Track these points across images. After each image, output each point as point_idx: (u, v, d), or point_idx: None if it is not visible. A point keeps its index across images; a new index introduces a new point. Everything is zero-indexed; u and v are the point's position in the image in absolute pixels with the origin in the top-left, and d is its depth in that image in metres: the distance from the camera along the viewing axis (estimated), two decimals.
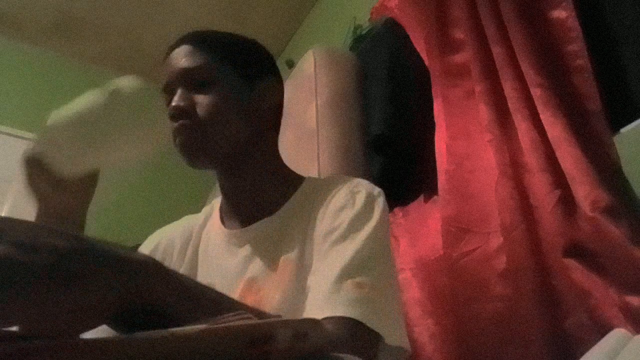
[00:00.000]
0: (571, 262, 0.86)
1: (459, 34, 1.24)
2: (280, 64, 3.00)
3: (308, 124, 1.48)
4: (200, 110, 0.74)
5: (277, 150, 0.85)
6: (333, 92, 1.48)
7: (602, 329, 0.79)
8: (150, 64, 3.05)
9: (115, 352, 0.35)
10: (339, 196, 0.74)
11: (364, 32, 1.72)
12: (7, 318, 0.33)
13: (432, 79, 1.26)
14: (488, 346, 0.93)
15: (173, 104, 0.74)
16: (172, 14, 2.65)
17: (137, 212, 2.58)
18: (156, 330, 0.36)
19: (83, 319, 0.35)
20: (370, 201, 0.73)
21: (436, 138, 1.18)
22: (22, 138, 2.52)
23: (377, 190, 0.76)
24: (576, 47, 0.99)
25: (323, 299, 0.60)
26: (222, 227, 0.82)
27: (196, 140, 0.74)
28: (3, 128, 2.47)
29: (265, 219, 0.78)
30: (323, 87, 1.49)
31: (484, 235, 1.00)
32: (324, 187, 0.78)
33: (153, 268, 0.42)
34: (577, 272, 0.85)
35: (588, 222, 0.85)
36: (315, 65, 1.54)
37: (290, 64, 2.31)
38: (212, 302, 0.48)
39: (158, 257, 0.82)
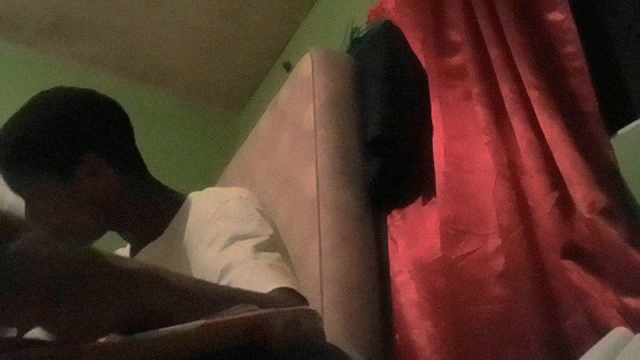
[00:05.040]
0: (569, 264, 0.86)
1: (456, 36, 1.25)
2: (278, 67, 3.00)
3: (305, 126, 1.48)
4: (49, 221, 0.75)
5: (147, 183, 0.85)
6: (331, 94, 1.48)
7: (601, 330, 0.79)
8: (149, 65, 3.06)
9: (116, 354, 0.35)
10: (209, 208, 0.79)
11: (361, 34, 1.72)
12: (12, 326, 0.33)
13: (429, 81, 1.26)
14: (487, 348, 0.93)
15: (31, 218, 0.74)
16: (171, 15, 2.65)
17: None
18: (156, 330, 0.36)
19: (85, 331, 0.35)
20: (241, 202, 0.79)
21: (434, 139, 1.18)
22: None
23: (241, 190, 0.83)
24: (573, 49, 1.00)
25: (261, 278, 0.66)
26: (129, 254, 0.87)
27: (69, 237, 0.76)
28: None
29: (150, 243, 0.81)
30: (321, 89, 1.49)
31: (482, 236, 1.00)
32: (197, 203, 0.83)
33: (155, 278, 0.42)
34: (575, 273, 0.85)
35: (586, 224, 0.85)
36: (312, 68, 1.53)
37: (288, 67, 2.31)
38: (211, 303, 0.49)
39: None
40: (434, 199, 1.18)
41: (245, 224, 0.75)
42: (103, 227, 0.80)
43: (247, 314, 0.40)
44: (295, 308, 0.41)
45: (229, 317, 0.39)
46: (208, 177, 2.05)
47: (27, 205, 0.75)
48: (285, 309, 0.40)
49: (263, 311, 0.40)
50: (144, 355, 0.36)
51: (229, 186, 1.50)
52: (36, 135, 0.76)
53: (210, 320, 0.38)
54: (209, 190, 0.88)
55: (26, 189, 0.75)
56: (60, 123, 0.77)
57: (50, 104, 0.80)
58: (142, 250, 0.82)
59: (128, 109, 0.88)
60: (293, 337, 0.40)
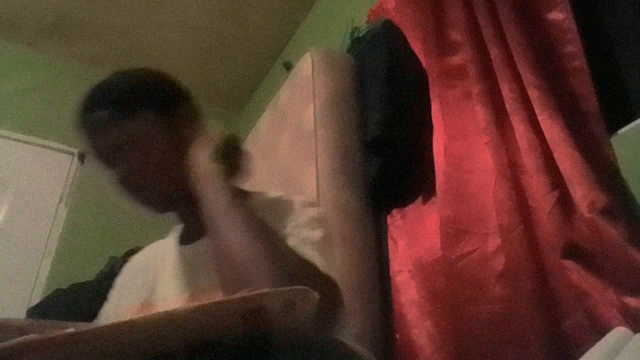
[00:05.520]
0: (569, 263, 0.86)
1: (456, 35, 1.25)
2: (278, 67, 2.99)
3: (306, 126, 1.48)
4: (146, 168, 0.77)
5: None
6: (331, 93, 1.49)
7: (601, 330, 0.79)
8: (149, 65, 3.05)
9: (111, 337, 0.35)
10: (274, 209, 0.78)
11: (361, 34, 1.72)
12: None
13: (429, 81, 1.26)
14: (487, 347, 0.93)
15: (122, 175, 0.77)
16: (171, 15, 2.65)
17: None
18: (152, 313, 0.36)
19: None
20: (304, 210, 0.78)
21: (434, 139, 1.18)
22: (21, 141, 2.51)
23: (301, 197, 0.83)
24: (573, 49, 1.00)
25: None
26: (177, 244, 0.86)
27: (156, 193, 0.78)
28: (2, 132, 2.45)
29: (205, 237, 0.77)
30: (321, 89, 1.49)
31: (482, 236, 1.00)
32: (259, 200, 0.82)
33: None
34: (575, 273, 0.85)
35: (586, 223, 0.85)
36: (312, 67, 1.54)
37: (288, 67, 2.31)
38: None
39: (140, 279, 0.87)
40: (434, 198, 1.18)
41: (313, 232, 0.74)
42: (179, 196, 0.79)
43: (244, 294, 0.39)
44: (290, 288, 0.40)
45: (224, 299, 0.39)
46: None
47: (121, 163, 0.77)
48: (280, 289, 0.40)
49: (260, 291, 0.39)
50: (139, 338, 0.36)
51: None
52: (142, 82, 0.85)
53: (206, 303, 0.38)
54: (271, 192, 0.87)
55: (130, 134, 0.77)
56: (162, 79, 0.89)
57: (140, 71, 0.89)
58: (197, 242, 0.80)
59: None
60: (290, 318, 0.40)
